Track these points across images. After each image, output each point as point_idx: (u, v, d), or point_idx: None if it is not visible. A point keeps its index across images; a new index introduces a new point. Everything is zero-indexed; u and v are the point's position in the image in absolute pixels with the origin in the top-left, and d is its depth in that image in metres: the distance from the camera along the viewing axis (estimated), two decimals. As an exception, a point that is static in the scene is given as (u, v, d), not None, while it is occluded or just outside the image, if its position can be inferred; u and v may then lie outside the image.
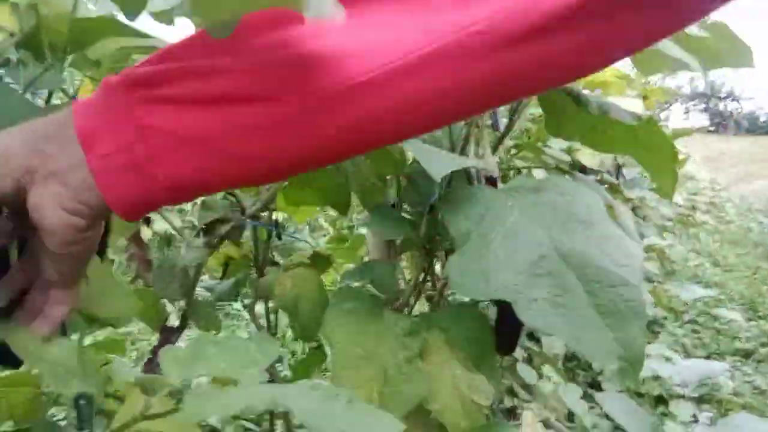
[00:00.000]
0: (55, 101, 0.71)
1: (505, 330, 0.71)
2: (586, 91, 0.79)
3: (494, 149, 0.87)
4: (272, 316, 0.96)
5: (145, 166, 0.33)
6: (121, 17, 0.65)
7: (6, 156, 0.33)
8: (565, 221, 0.53)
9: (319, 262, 0.97)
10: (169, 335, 0.74)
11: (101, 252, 0.65)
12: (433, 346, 0.69)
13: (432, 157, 0.55)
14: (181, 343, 0.79)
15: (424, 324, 0.72)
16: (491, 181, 0.64)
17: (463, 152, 0.69)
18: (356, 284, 0.83)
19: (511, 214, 0.55)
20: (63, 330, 0.44)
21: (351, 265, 1.09)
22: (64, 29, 0.67)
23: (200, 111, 0.33)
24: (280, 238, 1.06)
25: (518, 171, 0.99)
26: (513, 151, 1.10)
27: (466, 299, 0.79)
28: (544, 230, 0.52)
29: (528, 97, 0.76)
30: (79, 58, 0.74)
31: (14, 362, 0.42)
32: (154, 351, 0.74)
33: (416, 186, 0.83)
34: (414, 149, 0.56)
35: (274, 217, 1.02)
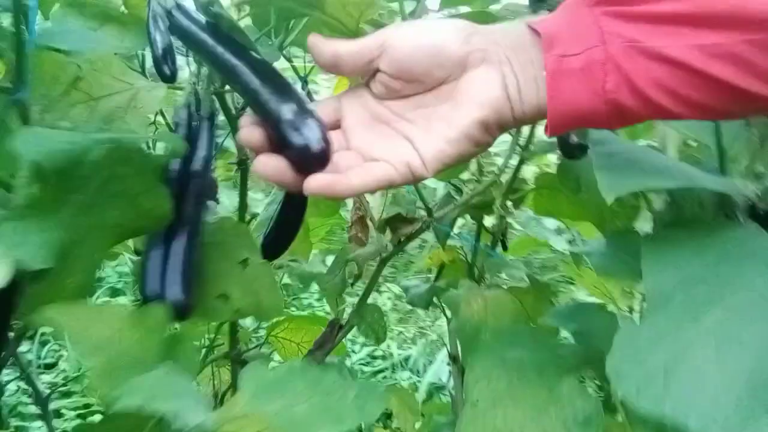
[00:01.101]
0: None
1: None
2: None
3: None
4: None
5: (598, 69, 0.33)
6: None
7: (469, 30, 0.37)
8: None
9: (533, 289, 0.77)
10: (330, 330, 0.67)
11: (273, 255, 0.62)
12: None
13: (615, 169, 0.34)
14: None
15: (626, 416, 0.49)
16: (760, 216, 0.38)
17: (726, 168, 0.43)
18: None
19: (759, 279, 0.30)
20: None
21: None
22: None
23: (667, 29, 0.33)
24: (493, 250, 0.89)
25: None
26: None
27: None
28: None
29: None
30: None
31: None
32: (315, 344, 0.68)
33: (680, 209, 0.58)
34: (596, 160, 0.36)
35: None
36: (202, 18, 0.42)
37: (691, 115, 0.34)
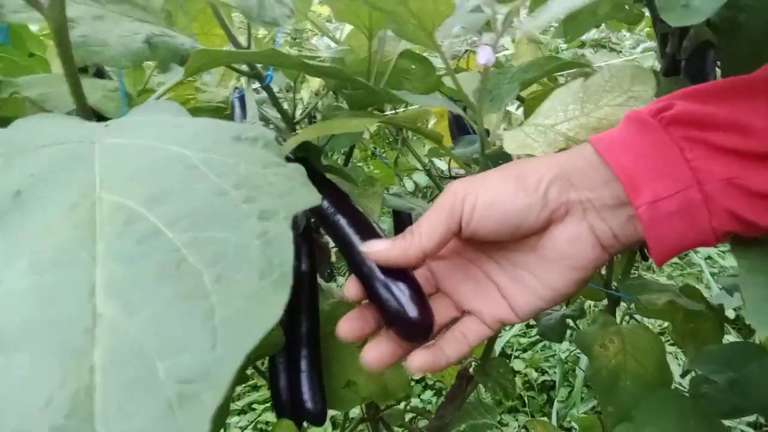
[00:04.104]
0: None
1: None
2: None
3: None
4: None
5: (700, 210, 0.32)
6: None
7: (545, 187, 0.34)
8: None
9: (684, 310, 0.70)
10: (459, 383, 0.67)
11: None
12: None
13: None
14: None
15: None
16: None
17: None
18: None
19: None
20: None
21: None
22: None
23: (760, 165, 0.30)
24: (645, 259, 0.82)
25: None
26: None
27: None
28: None
29: None
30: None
31: None
32: (446, 398, 0.68)
33: None
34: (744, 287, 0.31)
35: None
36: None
37: None
